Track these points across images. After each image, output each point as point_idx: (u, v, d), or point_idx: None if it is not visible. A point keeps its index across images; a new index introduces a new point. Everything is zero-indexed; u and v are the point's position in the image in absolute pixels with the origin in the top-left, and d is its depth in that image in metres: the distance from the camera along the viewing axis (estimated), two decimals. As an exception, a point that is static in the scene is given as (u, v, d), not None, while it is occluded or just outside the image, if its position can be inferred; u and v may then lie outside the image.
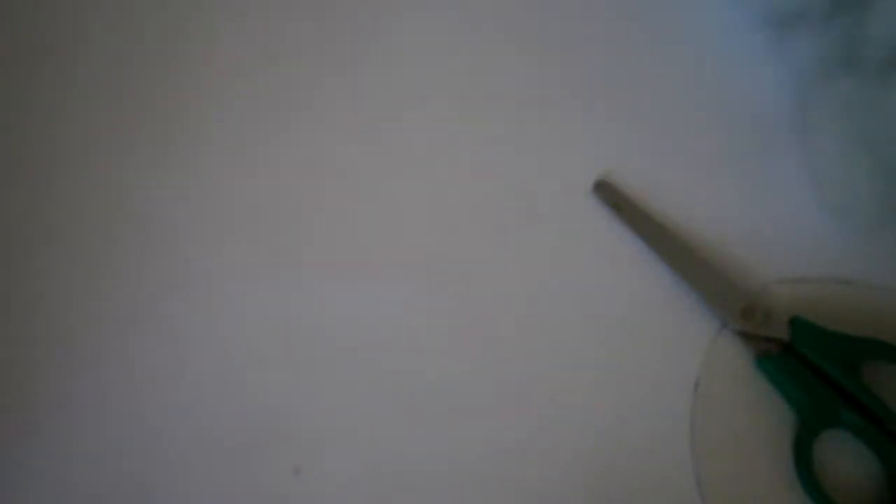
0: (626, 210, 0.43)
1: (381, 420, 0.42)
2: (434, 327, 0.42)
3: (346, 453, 0.41)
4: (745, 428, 0.40)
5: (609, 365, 0.42)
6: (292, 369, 0.42)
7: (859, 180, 0.39)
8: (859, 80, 0.39)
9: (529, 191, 0.44)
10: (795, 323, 0.40)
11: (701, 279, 0.41)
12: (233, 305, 0.43)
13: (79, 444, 0.42)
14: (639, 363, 0.41)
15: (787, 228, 0.42)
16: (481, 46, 0.46)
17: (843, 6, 0.40)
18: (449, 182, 0.44)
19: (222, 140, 0.45)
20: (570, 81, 0.45)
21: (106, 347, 0.43)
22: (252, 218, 0.44)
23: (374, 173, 0.44)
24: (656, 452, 0.40)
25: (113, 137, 0.45)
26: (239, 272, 0.43)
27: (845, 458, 0.39)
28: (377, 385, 0.42)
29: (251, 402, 0.42)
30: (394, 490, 0.41)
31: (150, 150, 0.45)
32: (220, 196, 0.44)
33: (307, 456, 0.41)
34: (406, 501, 0.41)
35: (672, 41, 0.45)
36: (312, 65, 0.46)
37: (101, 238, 0.44)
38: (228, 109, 0.45)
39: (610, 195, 0.43)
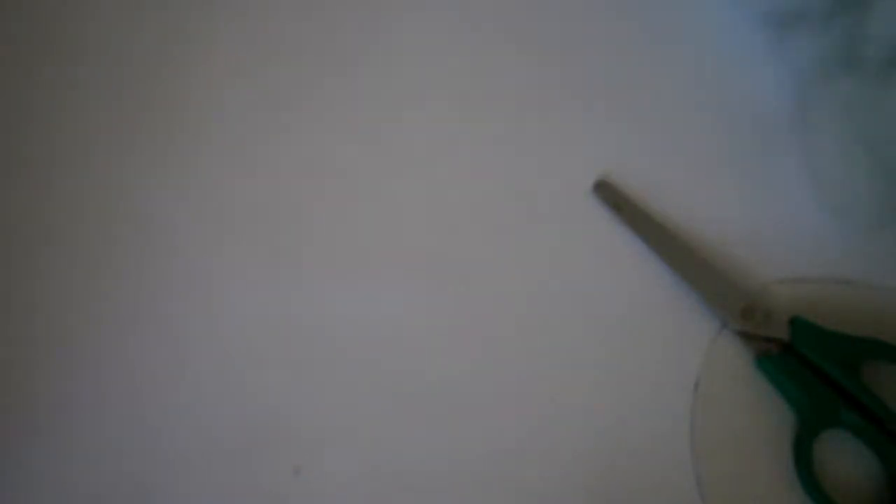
0: (626, 210, 0.43)
1: (381, 420, 0.42)
2: (434, 327, 0.42)
3: (346, 453, 0.41)
4: (745, 428, 0.40)
5: (609, 365, 0.42)
6: (292, 369, 0.42)
7: (859, 180, 0.39)
8: (859, 80, 0.39)
9: (529, 191, 0.44)
10: (795, 323, 0.40)
11: (701, 279, 0.41)
12: (233, 305, 0.43)
13: (79, 444, 0.42)
14: (639, 363, 0.41)
15: (787, 228, 0.42)
16: (481, 46, 0.46)
17: (843, 6, 0.40)
18: (449, 182, 0.44)
19: (222, 140, 0.45)
20: (570, 81, 0.45)
21: (106, 347, 0.43)
22: (252, 218, 0.44)
23: (374, 173, 0.44)
24: (656, 452, 0.40)
25: (113, 137, 0.45)
26: (239, 272, 0.43)
27: (845, 458, 0.39)
28: (377, 385, 0.42)
29: (251, 402, 0.42)
30: (394, 490, 0.41)
31: (150, 150, 0.45)
32: (220, 196, 0.44)
33: (307, 456, 0.41)
34: (406, 501, 0.41)
35: (672, 41, 0.45)
36: (312, 65, 0.46)
37: (101, 238, 0.44)
38: (228, 109, 0.45)
39: (610, 195, 0.43)
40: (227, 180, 0.45)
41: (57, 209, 0.45)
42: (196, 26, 0.47)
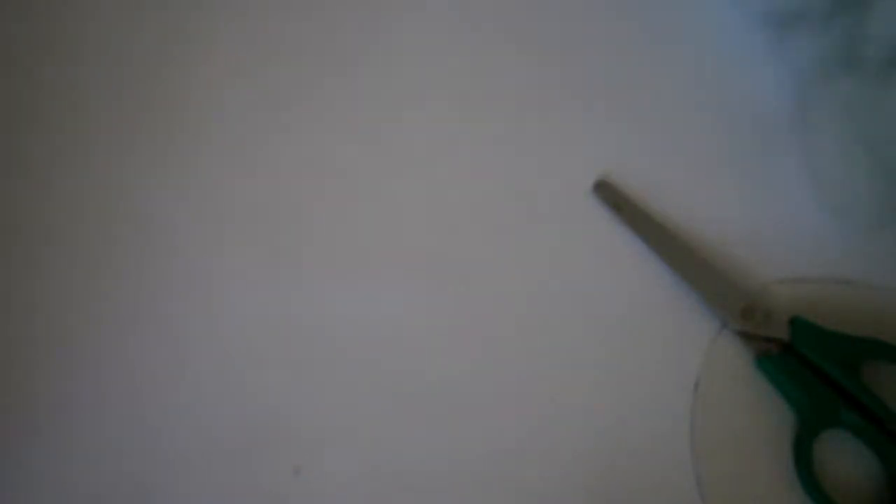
0: (626, 210, 0.43)
1: (381, 420, 0.42)
2: (434, 327, 0.42)
3: (346, 453, 0.41)
4: (745, 428, 0.40)
5: (609, 365, 0.42)
6: (292, 369, 0.42)
7: (859, 180, 0.39)
8: (859, 80, 0.39)
9: (529, 191, 0.44)
10: (795, 323, 0.40)
11: (701, 279, 0.41)
12: (233, 305, 0.43)
13: (79, 444, 0.42)
14: (639, 363, 0.41)
15: (787, 228, 0.42)
16: (481, 46, 0.46)
17: (843, 6, 0.40)
18: (449, 182, 0.44)
19: (222, 140, 0.45)
20: (570, 81, 0.45)
21: (106, 347, 0.43)
22: (252, 218, 0.44)
23: (374, 173, 0.44)
24: (656, 452, 0.40)
25: (113, 137, 0.45)
26: (239, 272, 0.43)
27: (845, 458, 0.39)
28: (377, 385, 0.42)
29: (251, 402, 0.42)
30: (394, 490, 0.41)
31: (150, 150, 0.45)
32: (220, 196, 0.44)
33: (307, 456, 0.41)
34: (406, 501, 0.41)
35: (672, 41, 0.45)
36: (312, 65, 0.46)
37: (101, 238, 0.44)
38: (228, 109, 0.45)
39: (610, 195, 0.43)
40: (227, 180, 0.45)
41: (57, 209, 0.45)
42: (196, 26, 0.47)
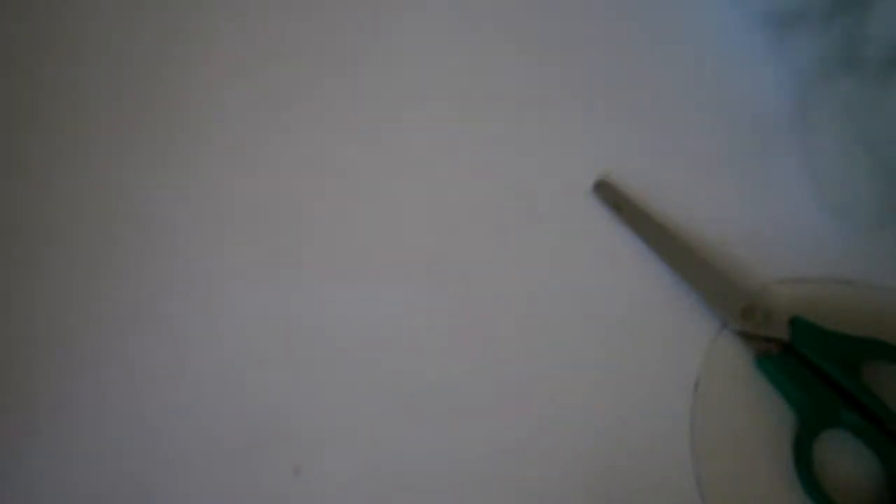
0: (626, 210, 0.43)
1: (381, 420, 0.42)
2: (434, 327, 0.42)
3: (346, 453, 0.41)
4: (745, 428, 0.40)
5: (609, 365, 0.42)
6: (292, 369, 0.42)
7: (859, 180, 0.39)
8: (859, 80, 0.39)
9: (529, 191, 0.44)
10: (795, 323, 0.40)
11: (701, 279, 0.41)
12: (233, 305, 0.43)
13: (79, 444, 0.42)
14: (639, 363, 0.41)
15: (787, 228, 0.42)
16: (481, 46, 0.46)
17: (843, 6, 0.40)
18: (449, 182, 0.44)
19: (222, 140, 0.45)
20: (570, 81, 0.45)
21: (106, 347, 0.43)
22: (252, 218, 0.44)
23: (374, 173, 0.44)
24: (656, 452, 0.40)
25: (113, 137, 0.45)
26: (239, 272, 0.43)
27: (845, 458, 0.39)
28: (377, 385, 0.42)
29: (251, 402, 0.42)
30: (394, 490, 0.41)
31: (150, 150, 0.45)
32: (220, 196, 0.44)
33: (307, 456, 0.41)
34: (406, 501, 0.41)
35: (672, 41, 0.45)
36: (312, 65, 0.46)
37: (101, 238, 0.44)
38: (228, 109, 0.45)
39: (610, 195, 0.43)
40: (227, 180, 0.45)
41: (57, 209, 0.45)
42: (196, 26, 0.47)
